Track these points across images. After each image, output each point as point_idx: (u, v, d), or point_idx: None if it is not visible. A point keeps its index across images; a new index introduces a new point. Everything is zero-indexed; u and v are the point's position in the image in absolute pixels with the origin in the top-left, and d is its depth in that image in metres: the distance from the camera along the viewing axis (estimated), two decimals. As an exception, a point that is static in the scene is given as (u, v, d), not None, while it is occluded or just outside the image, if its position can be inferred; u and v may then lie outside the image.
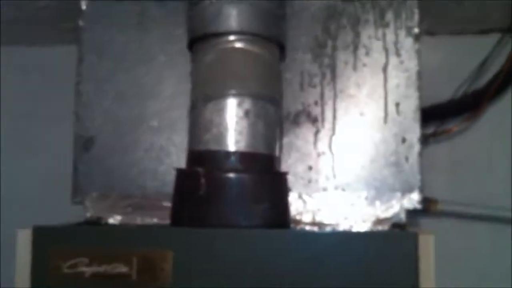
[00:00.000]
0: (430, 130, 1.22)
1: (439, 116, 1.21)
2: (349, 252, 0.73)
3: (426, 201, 1.17)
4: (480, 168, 1.25)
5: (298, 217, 0.89)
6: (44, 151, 1.40)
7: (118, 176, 0.93)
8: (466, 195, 1.23)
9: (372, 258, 0.72)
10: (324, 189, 0.89)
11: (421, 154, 0.87)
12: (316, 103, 0.91)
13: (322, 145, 0.90)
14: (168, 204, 0.87)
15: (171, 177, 0.85)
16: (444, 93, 1.21)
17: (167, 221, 0.86)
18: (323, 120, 0.90)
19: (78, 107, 0.95)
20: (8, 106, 1.43)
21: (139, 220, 0.91)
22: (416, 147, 0.88)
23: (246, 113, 0.79)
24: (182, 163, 0.88)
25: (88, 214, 0.93)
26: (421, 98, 0.88)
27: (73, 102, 0.96)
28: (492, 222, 1.22)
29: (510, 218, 1.20)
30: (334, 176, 0.89)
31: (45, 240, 0.79)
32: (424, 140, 1.19)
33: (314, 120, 0.91)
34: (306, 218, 0.89)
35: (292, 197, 0.89)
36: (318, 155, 0.90)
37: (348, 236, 0.75)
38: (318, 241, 0.74)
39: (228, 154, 0.79)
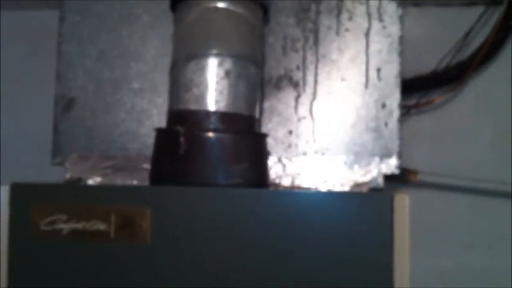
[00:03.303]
0: (413, 101, 1.22)
1: (422, 87, 1.21)
2: (326, 212, 0.73)
3: (405, 172, 1.17)
4: (463, 140, 1.25)
5: (277, 181, 0.89)
6: (27, 114, 1.39)
7: (99, 138, 0.93)
8: (448, 167, 1.23)
9: (348, 218, 0.73)
10: (304, 153, 0.89)
11: (400, 120, 0.88)
12: (298, 67, 0.91)
13: (303, 109, 0.90)
14: (148, 166, 0.87)
15: (152, 139, 0.85)
16: (428, 64, 1.21)
17: (147, 183, 0.86)
18: (304, 84, 0.90)
19: (60, 67, 0.95)
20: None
21: (119, 182, 0.91)
22: (396, 113, 0.88)
23: (227, 73, 0.79)
24: (163, 125, 0.87)
25: (68, 175, 0.93)
26: (402, 64, 0.88)
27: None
28: (473, 194, 1.23)
29: (491, 190, 1.21)
30: (314, 141, 0.89)
31: (23, 196, 0.79)
32: (407, 111, 1.20)
33: (295, 85, 0.91)
34: (286, 181, 0.89)
35: (272, 161, 0.89)
36: (299, 119, 0.90)
37: (325, 196, 0.76)
38: (296, 200, 0.75)
39: (208, 113, 0.79)
